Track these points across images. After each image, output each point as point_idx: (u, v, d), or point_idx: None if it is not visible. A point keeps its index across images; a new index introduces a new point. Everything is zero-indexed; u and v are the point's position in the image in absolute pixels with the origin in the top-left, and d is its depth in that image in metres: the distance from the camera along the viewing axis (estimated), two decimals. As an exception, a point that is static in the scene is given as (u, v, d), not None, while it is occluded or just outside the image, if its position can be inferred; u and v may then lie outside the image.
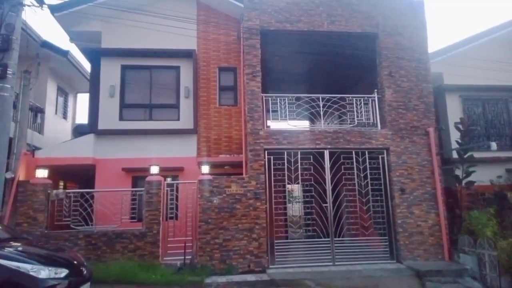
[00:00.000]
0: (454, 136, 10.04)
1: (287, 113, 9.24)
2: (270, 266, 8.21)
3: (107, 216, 8.43)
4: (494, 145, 9.17)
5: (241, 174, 9.01)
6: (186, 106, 10.34)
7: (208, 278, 7.57)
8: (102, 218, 8.54)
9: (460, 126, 9.68)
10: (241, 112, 10.14)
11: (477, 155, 9.66)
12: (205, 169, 8.53)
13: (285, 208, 8.82)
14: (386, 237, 8.80)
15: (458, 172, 9.55)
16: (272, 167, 8.73)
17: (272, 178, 8.70)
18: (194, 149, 10.25)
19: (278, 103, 9.31)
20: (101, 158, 9.89)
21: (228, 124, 10.49)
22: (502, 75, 11.00)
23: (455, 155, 9.90)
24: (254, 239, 8.22)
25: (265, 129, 8.98)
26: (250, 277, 7.69)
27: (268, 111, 9.50)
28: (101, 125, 10.03)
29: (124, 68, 10.50)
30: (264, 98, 9.18)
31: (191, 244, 8.40)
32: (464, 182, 9.37)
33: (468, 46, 11.01)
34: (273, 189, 8.66)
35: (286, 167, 8.79)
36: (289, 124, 9.30)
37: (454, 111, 10.67)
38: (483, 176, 9.69)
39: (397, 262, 8.51)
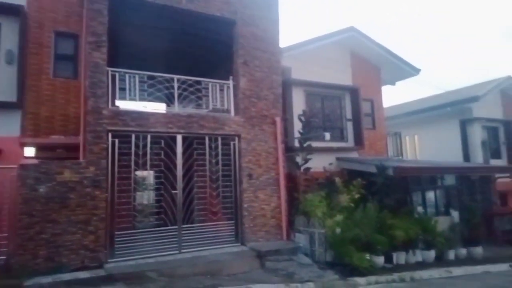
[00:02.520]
0: (297, 126, 10.96)
1: (137, 92, 8.47)
2: (109, 260, 7.46)
3: None
4: (327, 135, 10.40)
5: (78, 158, 7.87)
6: (7, 74, 8.38)
7: (29, 280, 6.39)
8: None
9: (302, 118, 10.61)
10: (82, 87, 8.83)
11: (314, 144, 10.74)
12: (30, 151, 7.14)
13: (130, 197, 8.09)
14: (233, 221, 9.04)
15: (298, 159, 10.49)
16: (116, 151, 7.88)
17: (116, 163, 7.86)
18: (17, 127, 8.38)
19: (127, 80, 8.44)
20: None
21: (65, 100, 8.98)
22: (338, 75, 12.56)
23: (297, 143, 10.82)
24: (90, 232, 7.30)
25: (110, 108, 8.01)
26: (83, 274, 6.81)
27: (116, 88, 8.54)
28: None
29: None
30: (110, 72, 8.17)
31: (7, 241, 6.93)
32: (302, 168, 10.34)
33: (314, 46, 12.11)
34: (116, 175, 7.83)
35: (133, 151, 8.07)
36: (139, 104, 8.56)
37: (298, 103, 11.63)
38: (318, 163, 10.88)
39: (241, 245, 8.83)
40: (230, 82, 9.66)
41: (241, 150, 9.31)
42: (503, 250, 11.67)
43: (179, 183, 8.50)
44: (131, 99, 8.40)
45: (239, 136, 9.38)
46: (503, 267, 9.96)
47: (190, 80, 9.12)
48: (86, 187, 7.37)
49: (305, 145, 10.40)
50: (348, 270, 8.04)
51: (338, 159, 12.01)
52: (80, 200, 7.29)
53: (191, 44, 10.92)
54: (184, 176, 8.63)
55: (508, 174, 14.89)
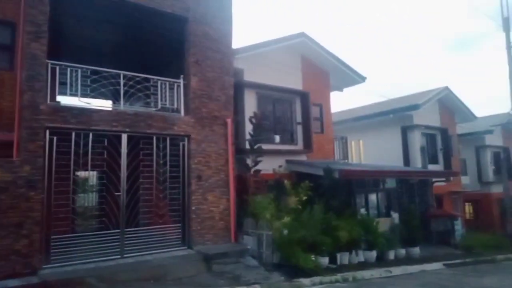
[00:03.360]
0: (248, 128, 10.98)
1: (79, 88, 8.02)
2: (44, 266, 6.95)
3: None
4: (277, 138, 10.54)
5: (12, 156, 7.26)
6: None
7: None
8: None
9: (253, 120, 10.64)
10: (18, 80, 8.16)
11: (265, 146, 10.81)
12: (-48, 148, 6.43)
13: (68, 199, 7.59)
14: (180, 224, 8.83)
15: (248, 161, 10.50)
16: (54, 149, 7.38)
17: (54, 163, 7.36)
18: None
19: (69, 75, 7.95)
20: None
21: (-2, 93, 8.29)
22: (289, 79, 12.77)
23: (247, 145, 10.82)
24: (24, 236, 6.76)
25: (48, 104, 7.49)
26: (14, 282, 6.31)
27: (57, 83, 8.00)
28: None
29: None
30: (50, 65, 7.65)
31: None
32: (252, 170, 10.36)
33: (266, 49, 12.18)
34: (54, 176, 7.32)
35: (73, 150, 7.59)
36: (81, 100, 8.10)
37: (250, 105, 11.65)
38: (268, 165, 10.94)
39: (188, 248, 8.64)
40: (181, 81, 9.45)
41: (191, 151, 9.13)
42: (438, 250, 12.55)
43: (123, 185, 8.13)
44: (72, 95, 7.93)
45: (188, 136, 9.19)
46: (437, 265, 10.68)
47: (138, 77, 8.79)
48: (20, 187, 6.82)
49: (255, 147, 10.44)
50: (294, 271, 8.17)
51: (287, 161, 12.20)
52: (13, 202, 6.74)
53: (141, 40, 10.57)
54: (128, 177, 8.29)
55: (444, 179, 16.07)
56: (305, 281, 7.80)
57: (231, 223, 9.34)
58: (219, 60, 10.01)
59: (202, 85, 9.60)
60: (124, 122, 8.24)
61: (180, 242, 8.71)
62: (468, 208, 21.41)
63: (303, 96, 13.02)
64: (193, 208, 8.88)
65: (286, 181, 10.69)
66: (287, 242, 8.78)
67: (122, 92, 8.51)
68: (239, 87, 11.24)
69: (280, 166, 11.57)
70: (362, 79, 14.80)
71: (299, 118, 12.92)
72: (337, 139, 14.66)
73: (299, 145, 12.78)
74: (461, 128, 20.36)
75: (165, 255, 8.10)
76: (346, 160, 14.66)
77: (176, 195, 8.92)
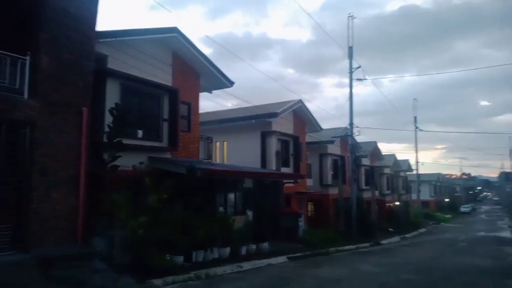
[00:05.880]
0: (109, 120, 10.14)
1: None
2: None
3: None
4: (140, 133, 10.07)
5: None
6: None
7: None
8: None
9: (114, 112, 9.87)
10: None
11: (126, 141, 10.13)
12: None
13: None
14: (12, 224, 7.54)
15: (106, 156, 9.71)
16: None
17: None
18: None
19: None
20: None
21: None
22: (159, 73, 12.33)
23: (106, 139, 9.99)
24: None
25: None
26: None
27: None
28: None
29: None
30: None
31: None
32: (109, 166, 9.62)
33: (135, 38, 11.45)
34: None
35: None
36: None
37: (113, 96, 10.78)
38: (128, 162, 10.34)
39: (23, 252, 7.45)
40: (27, 58, 8.11)
41: (35, 141, 7.93)
42: (284, 245, 13.92)
43: None
44: None
45: (33, 123, 7.97)
46: (282, 259, 11.86)
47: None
48: None
49: (114, 141, 9.71)
50: (147, 272, 7.93)
51: (150, 158, 11.74)
52: None
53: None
54: None
55: (293, 180, 18.01)
56: (157, 281, 7.65)
57: (79, 224, 8.46)
58: (79, 41, 9.01)
59: (55, 66, 8.47)
60: None
61: (12, 245, 7.43)
62: (310, 206, 24.52)
63: (172, 93, 12.77)
64: (33, 206, 7.73)
65: (147, 179, 10.28)
66: (142, 242, 8.47)
67: None
68: (100, 75, 10.29)
69: (141, 163, 11.04)
70: (230, 83, 15.34)
71: (166, 115, 12.59)
72: (203, 139, 14.87)
73: (164, 142, 12.45)
74: (310, 137, 23.19)
75: (-10, 261, 6.81)
76: (210, 160, 14.99)
77: (11, 190, 7.61)
